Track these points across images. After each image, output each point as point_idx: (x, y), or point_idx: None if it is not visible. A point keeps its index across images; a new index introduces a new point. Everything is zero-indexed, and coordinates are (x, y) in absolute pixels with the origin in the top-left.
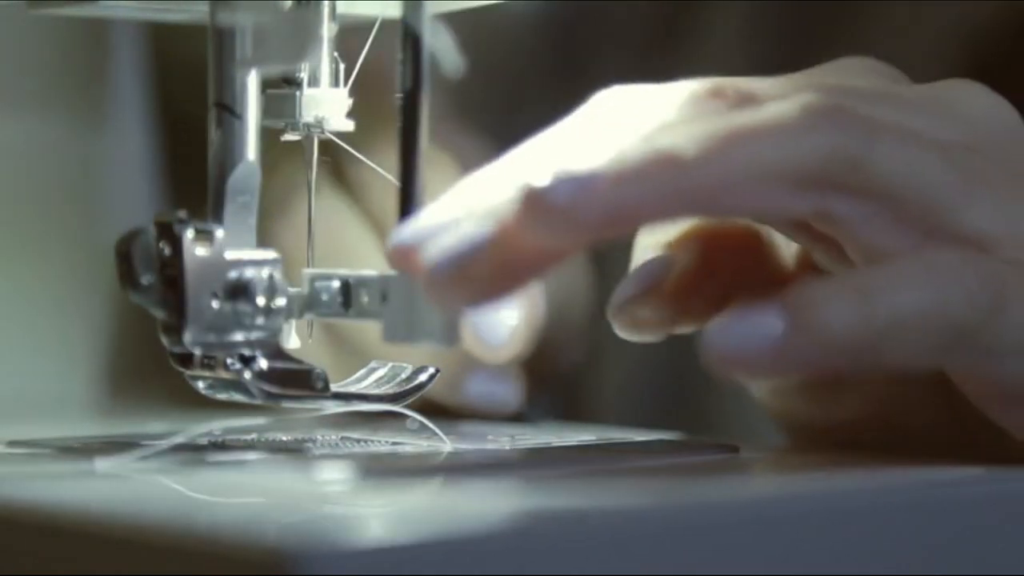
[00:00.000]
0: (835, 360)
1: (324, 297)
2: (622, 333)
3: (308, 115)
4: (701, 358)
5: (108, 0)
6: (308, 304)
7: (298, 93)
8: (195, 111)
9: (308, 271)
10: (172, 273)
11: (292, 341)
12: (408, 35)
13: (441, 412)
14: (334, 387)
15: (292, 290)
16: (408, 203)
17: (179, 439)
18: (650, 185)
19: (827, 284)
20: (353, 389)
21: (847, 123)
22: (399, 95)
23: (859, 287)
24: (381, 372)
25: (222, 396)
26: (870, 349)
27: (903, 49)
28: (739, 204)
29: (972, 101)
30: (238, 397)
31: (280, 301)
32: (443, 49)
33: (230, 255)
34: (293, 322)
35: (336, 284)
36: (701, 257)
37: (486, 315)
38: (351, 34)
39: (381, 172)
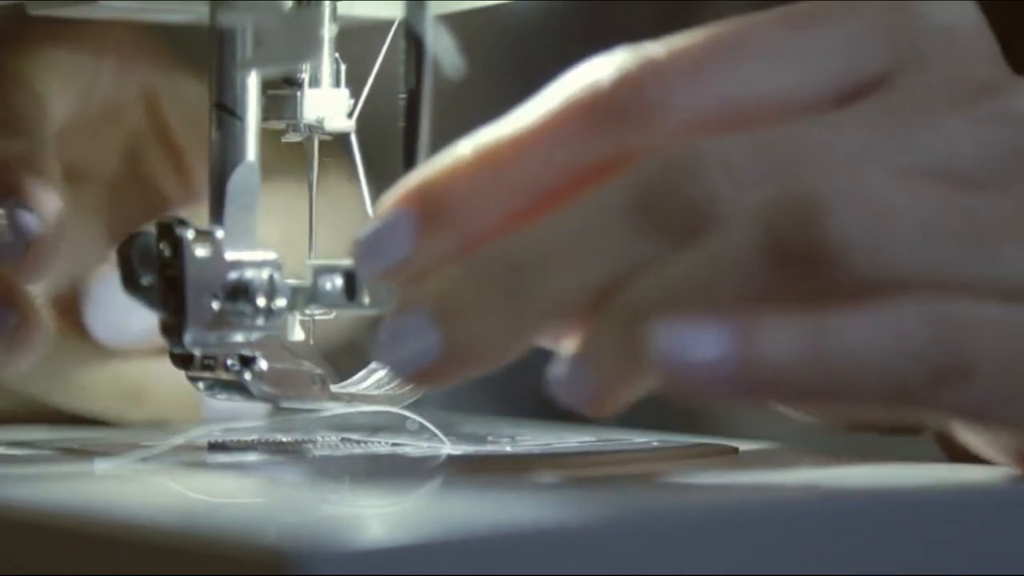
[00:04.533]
0: (783, 395)
1: (328, 287)
2: None
3: (309, 116)
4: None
5: (108, 0)
6: (312, 296)
7: (299, 94)
8: None
9: (312, 262)
10: (172, 274)
11: (296, 334)
12: (410, 35)
13: None
14: (334, 388)
15: (294, 282)
16: None
17: (179, 439)
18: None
19: (782, 316)
20: (353, 390)
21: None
22: (402, 95)
23: (816, 325)
24: (381, 372)
25: (222, 397)
26: (822, 390)
27: None
28: None
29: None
30: (238, 398)
31: (280, 302)
32: (444, 50)
33: (230, 256)
34: (296, 315)
35: (339, 277)
36: None
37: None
38: (354, 36)
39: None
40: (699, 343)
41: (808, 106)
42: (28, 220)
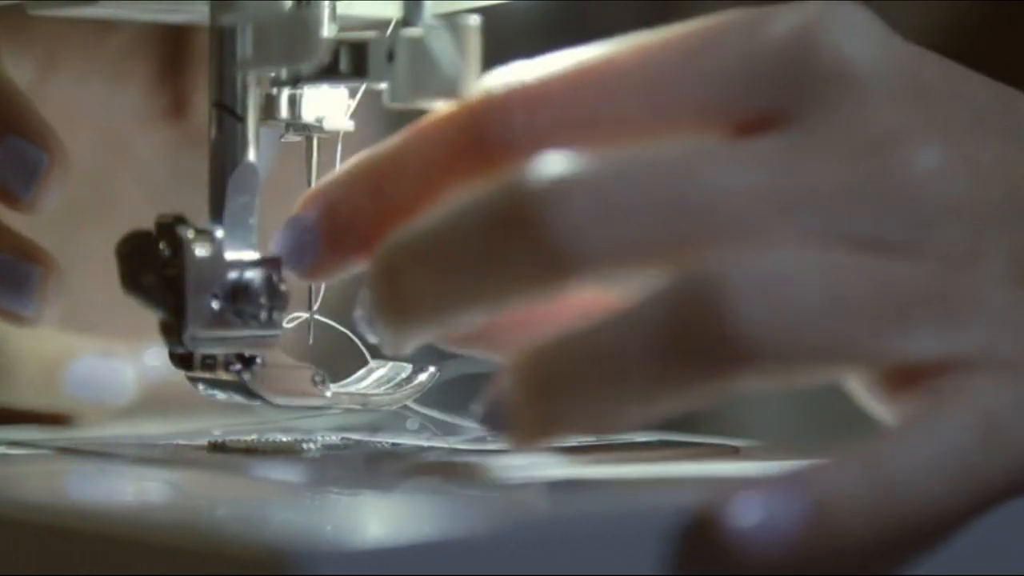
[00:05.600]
0: (855, 539)
1: (342, 66)
2: None
3: (308, 115)
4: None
5: (108, 0)
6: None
7: (299, 93)
8: None
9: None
10: (172, 274)
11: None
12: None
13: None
14: (334, 387)
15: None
16: None
17: (179, 439)
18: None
19: (837, 460)
20: (353, 389)
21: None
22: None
23: (878, 480)
24: (381, 372)
25: (222, 397)
26: (889, 524)
27: None
28: None
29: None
30: (238, 398)
31: (280, 302)
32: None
33: (230, 256)
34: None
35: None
36: None
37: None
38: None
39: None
40: (772, 511)
41: (694, 136)
42: (33, 152)
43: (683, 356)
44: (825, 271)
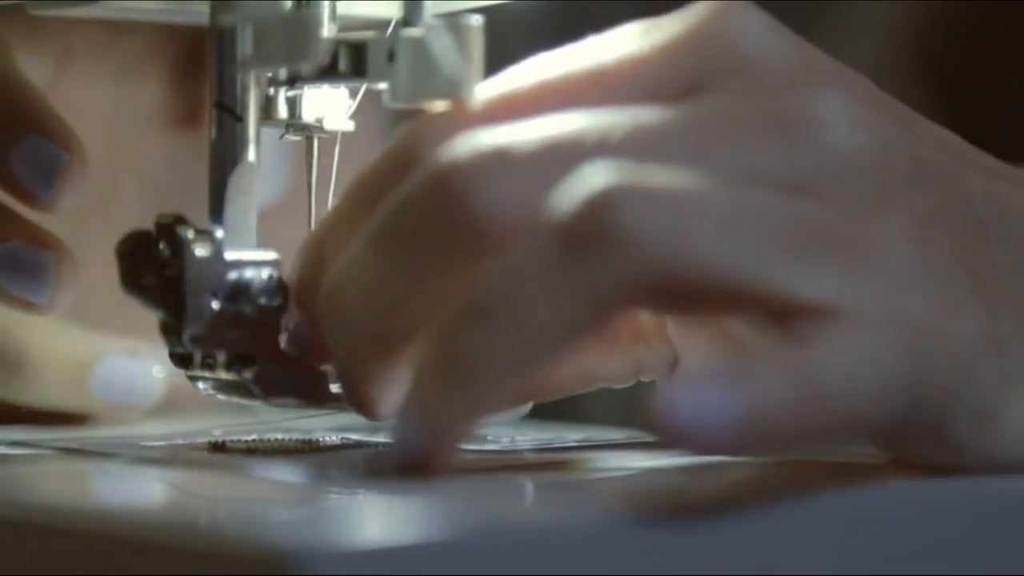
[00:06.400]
0: (780, 439)
1: (342, 66)
2: None
3: (308, 115)
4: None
5: (108, 0)
6: (324, 73)
7: (298, 93)
8: None
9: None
10: (172, 273)
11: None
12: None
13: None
14: (334, 388)
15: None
16: None
17: (179, 439)
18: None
19: (766, 361)
20: None
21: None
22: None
23: (800, 377)
24: None
25: (222, 397)
26: (814, 428)
27: (849, 47)
28: None
29: (825, 120)
30: (238, 398)
31: (280, 301)
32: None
33: (230, 255)
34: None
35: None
36: None
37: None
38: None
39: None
40: (705, 408)
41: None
42: (52, 150)
43: (577, 268)
44: (729, 194)
